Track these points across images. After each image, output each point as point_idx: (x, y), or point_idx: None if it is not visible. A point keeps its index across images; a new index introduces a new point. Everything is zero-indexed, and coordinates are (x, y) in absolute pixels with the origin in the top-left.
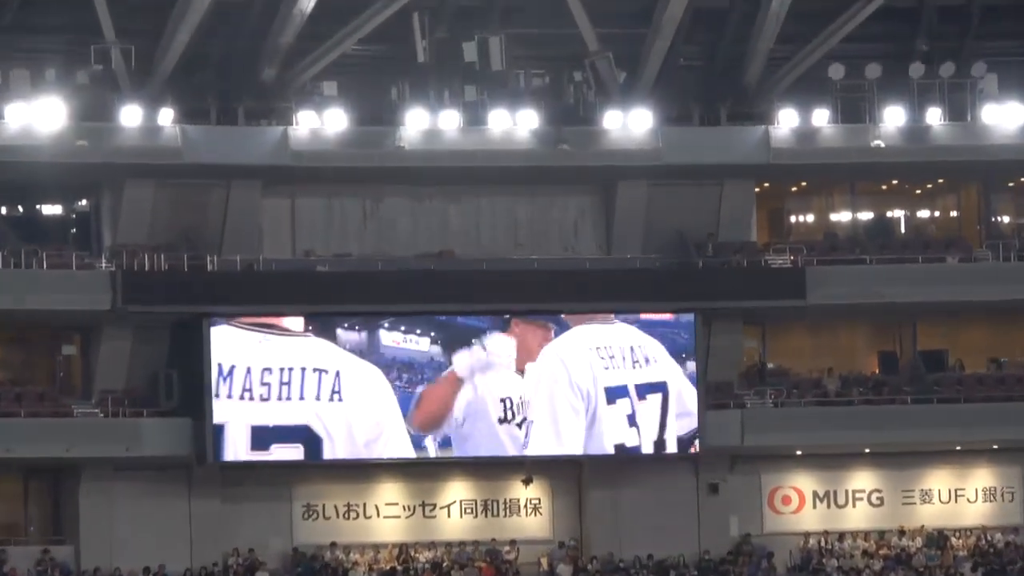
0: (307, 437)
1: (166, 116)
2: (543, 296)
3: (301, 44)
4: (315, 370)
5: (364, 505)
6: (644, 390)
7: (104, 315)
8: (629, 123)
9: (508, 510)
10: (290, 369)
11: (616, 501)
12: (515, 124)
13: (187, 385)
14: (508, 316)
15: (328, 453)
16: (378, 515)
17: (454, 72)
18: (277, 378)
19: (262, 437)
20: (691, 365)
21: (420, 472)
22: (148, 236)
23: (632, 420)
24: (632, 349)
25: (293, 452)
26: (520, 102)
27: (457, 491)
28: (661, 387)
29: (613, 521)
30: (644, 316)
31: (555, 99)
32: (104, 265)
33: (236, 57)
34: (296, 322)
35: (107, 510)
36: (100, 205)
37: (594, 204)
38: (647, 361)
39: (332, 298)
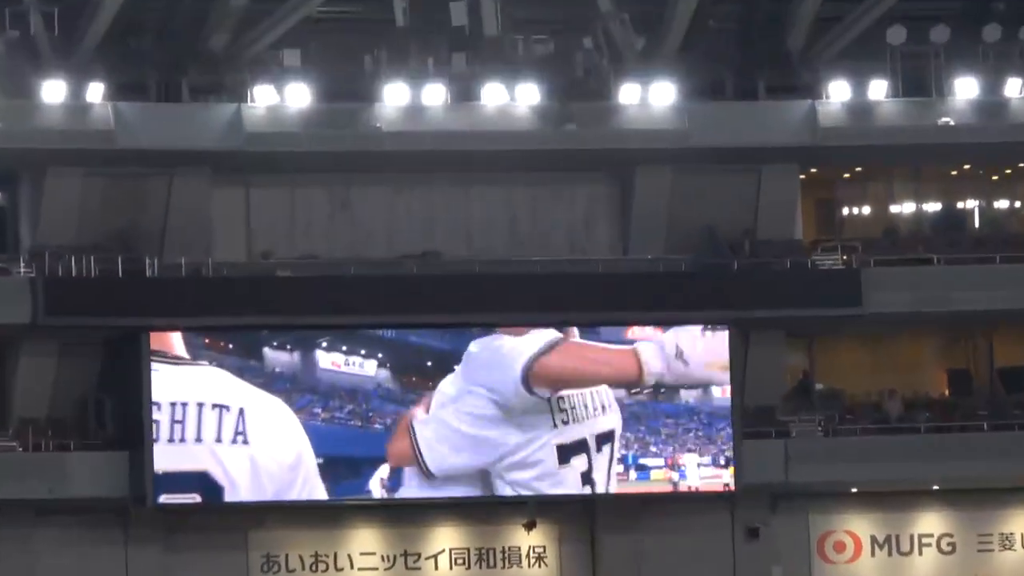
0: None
1: (96, 92)
2: (548, 304)
3: (257, 5)
4: (214, 406)
5: (335, 555)
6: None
7: (22, 329)
8: (649, 98)
9: (507, 560)
10: (198, 405)
11: (637, 549)
12: (513, 100)
13: (123, 413)
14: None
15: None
16: (351, 567)
17: (440, 38)
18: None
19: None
20: (722, 386)
21: (401, 515)
22: (75, 235)
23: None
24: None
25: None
26: (519, 74)
27: (446, 538)
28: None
29: (634, 573)
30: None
31: (561, 70)
32: (23, 270)
33: (179, 21)
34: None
35: (26, 562)
36: (17, 199)
37: (608, 195)
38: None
39: (296, 307)
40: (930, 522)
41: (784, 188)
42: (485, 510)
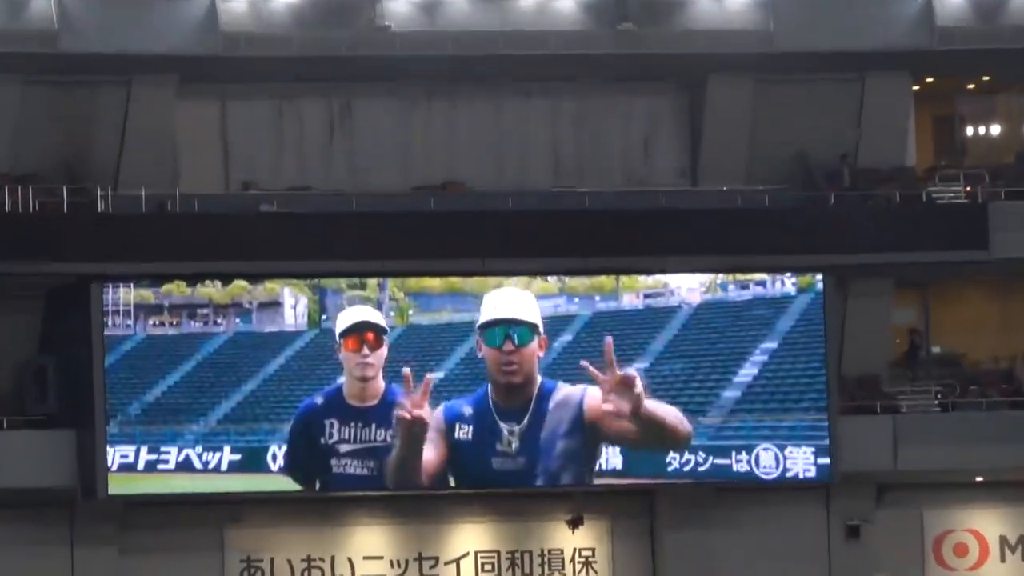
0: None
1: None
2: (597, 247)
3: None
4: None
5: (332, 560)
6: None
7: None
8: None
9: (547, 566)
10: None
11: (708, 550)
12: None
13: (69, 382)
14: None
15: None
16: (352, 574)
17: None
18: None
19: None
20: (802, 346)
21: (415, 509)
22: (10, 161)
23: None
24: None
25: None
26: None
27: (470, 538)
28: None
29: None
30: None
31: None
32: None
33: None
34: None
35: None
36: None
37: (674, 112)
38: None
39: (284, 251)
40: None
41: (893, 102)
42: (519, 503)
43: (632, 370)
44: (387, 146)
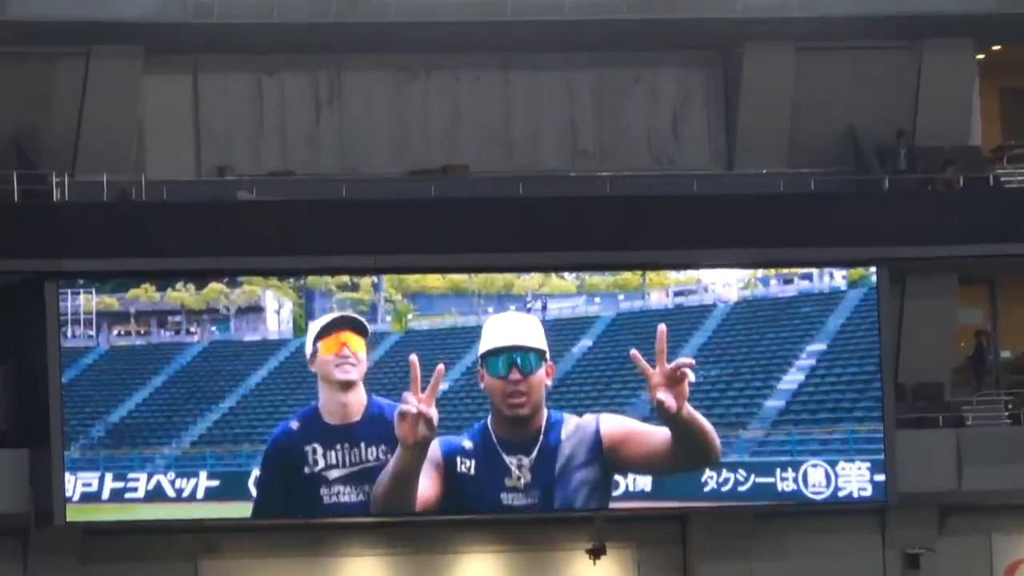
0: None
1: None
2: (620, 239)
3: None
4: None
5: None
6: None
7: None
8: None
9: None
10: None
11: None
12: None
13: (21, 394)
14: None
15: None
16: None
17: None
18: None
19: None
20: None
21: (414, 538)
22: None
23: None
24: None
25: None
26: None
27: (477, 570)
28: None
29: None
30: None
31: None
32: None
33: None
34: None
35: None
36: None
37: (707, 85)
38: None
39: (264, 244)
40: None
41: (955, 74)
42: (532, 531)
43: (685, 359)
44: (381, 125)
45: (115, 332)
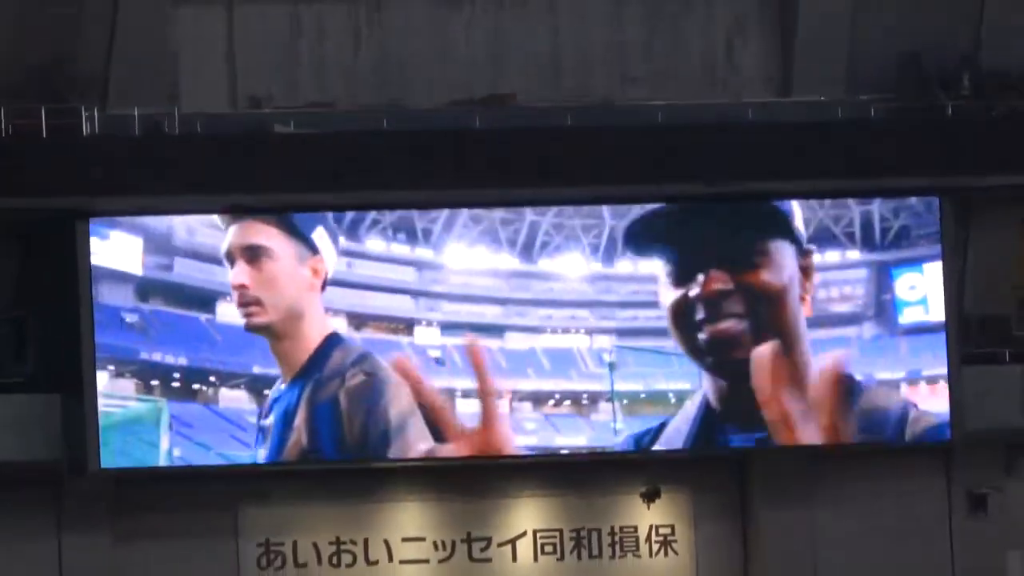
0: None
1: None
2: (673, 169)
3: None
4: None
5: (365, 542)
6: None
7: None
8: None
9: (618, 546)
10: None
11: (809, 527)
12: None
13: (52, 337)
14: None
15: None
16: (390, 558)
17: None
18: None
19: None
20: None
21: (463, 483)
22: None
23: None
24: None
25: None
26: None
27: (528, 515)
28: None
29: (803, 562)
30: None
31: None
32: None
33: None
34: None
35: None
36: None
37: (762, 7)
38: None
39: (300, 182)
40: None
41: None
42: (585, 473)
43: None
44: (422, 54)
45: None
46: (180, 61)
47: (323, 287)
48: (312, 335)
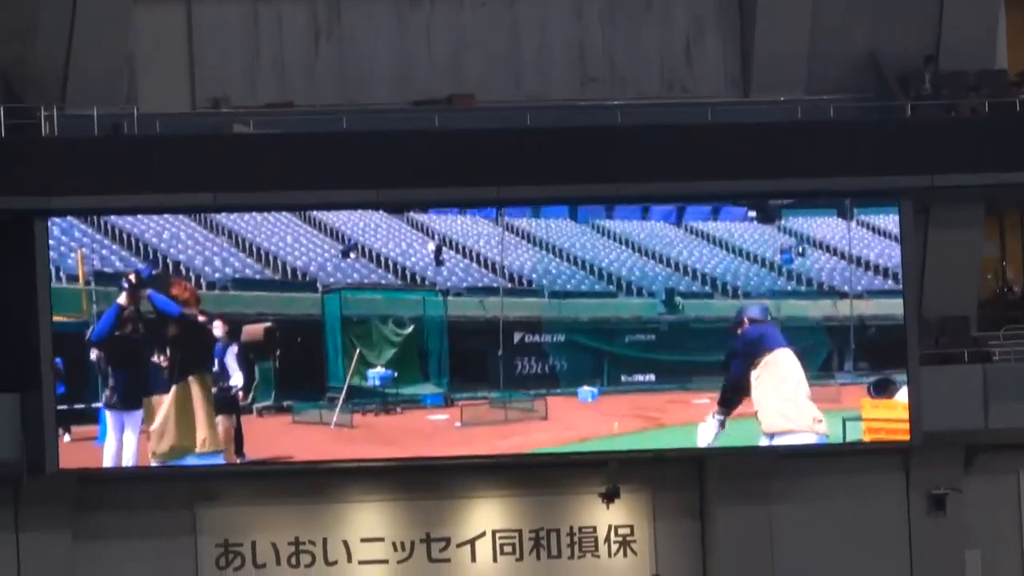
0: None
1: None
2: (633, 170)
3: None
4: None
5: (323, 542)
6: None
7: None
8: None
9: (577, 546)
10: None
11: (767, 526)
12: None
13: (9, 335)
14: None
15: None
16: (348, 559)
17: None
18: None
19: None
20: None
21: (422, 483)
22: None
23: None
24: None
25: None
26: None
27: (487, 515)
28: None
29: (761, 562)
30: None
31: None
32: None
33: None
34: None
35: None
36: None
37: (721, 7)
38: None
39: (258, 181)
40: None
41: None
42: (544, 473)
43: None
44: (382, 54)
45: None
46: (139, 61)
47: None
48: None
